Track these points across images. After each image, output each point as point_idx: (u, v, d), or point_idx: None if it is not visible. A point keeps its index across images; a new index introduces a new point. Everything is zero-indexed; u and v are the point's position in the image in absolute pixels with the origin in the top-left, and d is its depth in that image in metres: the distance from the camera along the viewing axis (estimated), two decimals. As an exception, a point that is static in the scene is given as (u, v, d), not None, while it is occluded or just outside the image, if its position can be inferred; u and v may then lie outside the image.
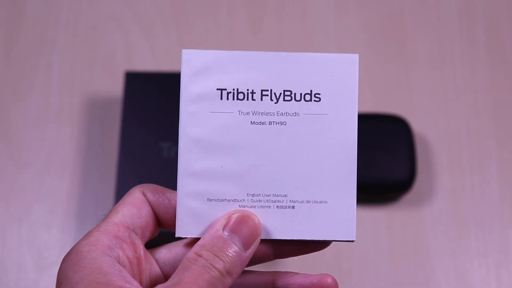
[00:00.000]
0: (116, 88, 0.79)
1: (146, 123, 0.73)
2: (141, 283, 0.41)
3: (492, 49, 0.81)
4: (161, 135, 0.72)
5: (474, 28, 0.82)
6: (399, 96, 0.79)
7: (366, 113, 0.76)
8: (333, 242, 0.43)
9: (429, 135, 0.78)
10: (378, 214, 0.74)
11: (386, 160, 0.73)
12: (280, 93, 0.42)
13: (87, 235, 0.40)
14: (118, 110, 0.77)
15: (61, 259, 0.40)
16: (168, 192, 0.42)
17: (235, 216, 0.41)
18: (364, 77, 0.80)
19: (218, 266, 0.39)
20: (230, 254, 0.39)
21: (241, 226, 0.40)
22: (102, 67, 0.80)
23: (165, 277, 0.43)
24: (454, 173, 0.76)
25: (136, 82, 0.74)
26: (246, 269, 0.42)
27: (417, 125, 0.77)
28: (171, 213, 0.42)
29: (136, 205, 0.42)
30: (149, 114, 0.73)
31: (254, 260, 0.42)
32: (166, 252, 0.43)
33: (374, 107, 0.78)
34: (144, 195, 0.42)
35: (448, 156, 0.77)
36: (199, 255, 0.39)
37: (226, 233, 0.40)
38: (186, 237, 0.42)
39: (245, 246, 0.40)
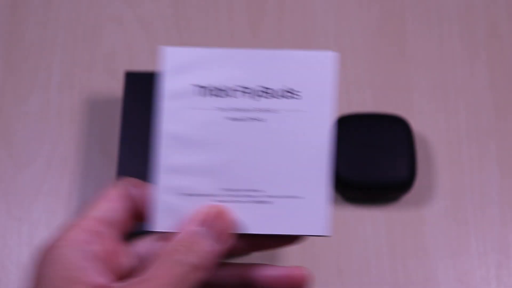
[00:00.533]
0: (116, 88, 0.79)
1: (146, 123, 0.73)
2: (117, 277, 0.41)
3: (492, 49, 0.81)
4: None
5: (474, 28, 0.82)
6: (399, 95, 0.79)
7: (366, 112, 0.76)
8: (310, 237, 0.44)
9: (429, 135, 0.77)
10: (377, 214, 0.74)
11: (386, 160, 0.72)
12: (259, 90, 0.42)
13: (61, 230, 0.40)
14: (118, 110, 0.77)
15: None
16: (149, 187, 0.43)
17: (209, 210, 0.41)
18: (364, 76, 0.80)
19: (190, 260, 0.39)
20: (203, 249, 0.39)
21: (216, 221, 0.40)
22: (102, 67, 0.80)
23: (142, 270, 0.43)
24: (454, 173, 0.76)
25: (136, 81, 0.74)
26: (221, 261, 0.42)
27: (417, 125, 0.77)
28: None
29: (113, 199, 0.42)
30: (149, 113, 0.73)
31: (229, 254, 0.42)
32: (142, 245, 0.43)
33: (374, 106, 0.78)
34: (125, 189, 0.42)
35: (448, 156, 0.77)
36: (173, 249, 0.39)
37: (200, 228, 0.40)
38: (162, 231, 0.43)
39: (219, 241, 0.40)
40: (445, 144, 0.77)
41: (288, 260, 0.72)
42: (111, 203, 0.41)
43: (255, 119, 0.42)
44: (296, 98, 0.42)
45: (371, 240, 0.73)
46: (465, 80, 0.80)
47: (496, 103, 0.79)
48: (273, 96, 0.42)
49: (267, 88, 0.42)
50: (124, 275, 0.42)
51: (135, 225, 0.43)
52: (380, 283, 0.72)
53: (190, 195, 0.42)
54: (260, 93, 0.42)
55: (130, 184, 0.42)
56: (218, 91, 0.42)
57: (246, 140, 0.42)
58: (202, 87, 0.42)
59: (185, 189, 0.42)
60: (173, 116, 0.42)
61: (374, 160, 0.73)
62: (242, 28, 0.82)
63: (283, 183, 0.42)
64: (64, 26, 0.82)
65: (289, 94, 0.42)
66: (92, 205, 0.41)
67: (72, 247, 0.39)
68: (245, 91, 0.42)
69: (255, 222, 0.42)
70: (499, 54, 0.81)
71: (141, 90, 0.74)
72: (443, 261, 0.73)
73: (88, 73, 0.80)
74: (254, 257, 0.73)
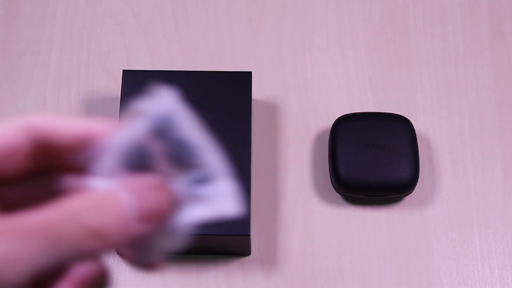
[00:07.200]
0: (113, 87, 0.78)
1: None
2: None
3: (495, 47, 0.80)
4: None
5: (478, 27, 0.81)
6: (401, 95, 0.79)
7: (369, 112, 0.75)
8: None
9: (432, 134, 0.77)
10: (380, 215, 0.74)
11: (389, 160, 0.72)
12: None
13: None
14: (116, 109, 0.76)
15: None
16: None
17: (145, 180, 0.31)
18: (366, 76, 0.79)
19: (90, 222, 0.29)
20: (114, 220, 0.29)
21: (148, 194, 0.30)
22: (100, 65, 0.80)
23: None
24: (457, 173, 0.75)
25: (134, 80, 0.74)
26: None
27: (420, 125, 0.77)
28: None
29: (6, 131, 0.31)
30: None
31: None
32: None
33: (377, 106, 0.78)
34: (28, 122, 0.32)
35: (451, 156, 0.76)
36: (76, 204, 0.29)
37: (125, 194, 0.30)
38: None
39: (141, 219, 0.30)
40: (448, 144, 0.76)
41: (288, 261, 0.72)
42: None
43: None
44: None
45: (373, 241, 0.73)
46: (468, 80, 0.79)
47: (500, 103, 0.78)
48: None
49: None
50: None
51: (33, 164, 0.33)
52: (382, 284, 0.71)
53: None
54: None
55: (39, 117, 0.32)
56: None
57: None
58: None
59: None
60: None
61: (376, 160, 0.72)
62: (242, 26, 0.82)
63: None
64: (60, 24, 0.81)
65: None
66: None
67: None
68: None
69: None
70: (503, 54, 0.80)
71: (139, 88, 0.73)
72: (446, 263, 0.72)
73: (85, 72, 0.79)
74: (253, 257, 0.72)
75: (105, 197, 0.30)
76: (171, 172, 0.31)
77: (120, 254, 0.33)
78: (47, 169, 0.33)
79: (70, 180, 0.33)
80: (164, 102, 0.31)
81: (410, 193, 0.73)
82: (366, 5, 0.82)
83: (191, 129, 0.31)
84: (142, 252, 0.32)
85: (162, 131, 0.31)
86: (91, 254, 0.29)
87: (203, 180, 0.31)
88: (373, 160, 0.72)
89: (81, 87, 0.79)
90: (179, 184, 0.31)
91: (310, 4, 0.83)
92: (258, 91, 0.78)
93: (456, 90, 0.79)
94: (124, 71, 0.74)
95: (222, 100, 0.73)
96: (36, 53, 0.80)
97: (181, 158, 0.31)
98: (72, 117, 0.33)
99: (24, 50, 0.80)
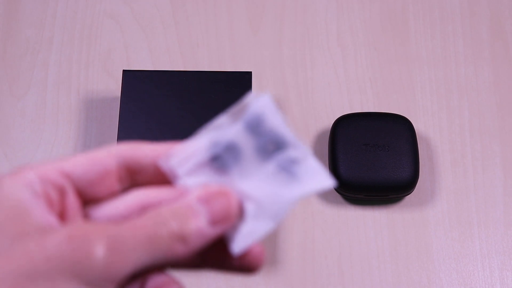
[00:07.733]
0: (113, 87, 0.78)
1: (144, 121, 0.72)
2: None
3: (495, 47, 0.80)
4: (159, 133, 0.71)
5: (478, 27, 0.81)
6: (401, 95, 0.78)
7: (369, 112, 0.75)
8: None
9: (432, 134, 0.77)
10: (379, 215, 0.74)
11: (388, 160, 0.72)
12: None
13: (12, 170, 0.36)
14: (116, 108, 0.76)
15: None
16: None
17: (211, 188, 0.36)
18: (366, 75, 0.79)
19: (174, 228, 0.34)
20: (192, 226, 0.34)
21: (215, 201, 0.35)
22: (100, 65, 0.79)
23: None
24: (457, 173, 0.75)
25: (134, 80, 0.74)
26: None
27: (420, 125, 0.77)
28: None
29: (92, 157, 0.36)
30: (147, 112, 0.72)
31: (173, 263, 0.37)
32: (109, 210, 0.36)
33: (377, 106, 0.78)
34: (119, 152, 0.37)
35: (451, 156, 0.76)
36: (160, 213, 0.34)
37: (196, 203, 0.35)
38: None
39: (213, 223, 0.35)
40: (448, 144, 0.76)
41: (289, 261, 0.72)
42: (89, 160, 0.36)
43: None
44: None
45: (373, 242, 0.73)
46: (468, 80, 0.79)
47: (500, 102, 0.78)
48: None
49: None
50: None
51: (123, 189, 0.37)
52: (382, 284, 0.71)
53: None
54: None
55: (125, 145, 0.37)
56: None
57: None
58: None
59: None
60: None
61: (376, 160, 0.72)
62: (242, 26, 0.81)
63: None
64: (60, 24, 0.81)
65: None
66: (66, 157, 0.36)
67: (20, 184, 0.34)
68: None
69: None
70: (503, 54, 0.80)
71: (139, 88, 0.73)
72: (446, 263, 0.72)
73: (85, 72, 0.79)
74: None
75: (183, 207, 0.35)
76: (260, 162, 0.36)
77: (218, 263, 0.38)
78: (130, 188, 0.37)
79: (152, 196, 0.37)
80: (258, 102, 0.35)
81: (410, 193, 0.73)
82: (366, 5, 0.82)
83: (280, 121, 0.36)
84: (235, 238, 0.36)
85: (256, 126, 0.36)
86: (177, 258, 0.34)
87: (295, 161, 0.36)
88: (373, 160, 0.72)
89: (81, 87, 0.78)
90: (272, 165, 0.36)
91: (310, 4, 0.82)
92: (258, 91, 0.78)
93: (456, 90, 0.79)
94: (124, 71, 0.74)
95: (222, 100, 0.73)
96: (36, 53, 0.80)
97: (271, 146, 0.36)
98: (154, 143, 0.37)
99: (24, 50, 0.80)
